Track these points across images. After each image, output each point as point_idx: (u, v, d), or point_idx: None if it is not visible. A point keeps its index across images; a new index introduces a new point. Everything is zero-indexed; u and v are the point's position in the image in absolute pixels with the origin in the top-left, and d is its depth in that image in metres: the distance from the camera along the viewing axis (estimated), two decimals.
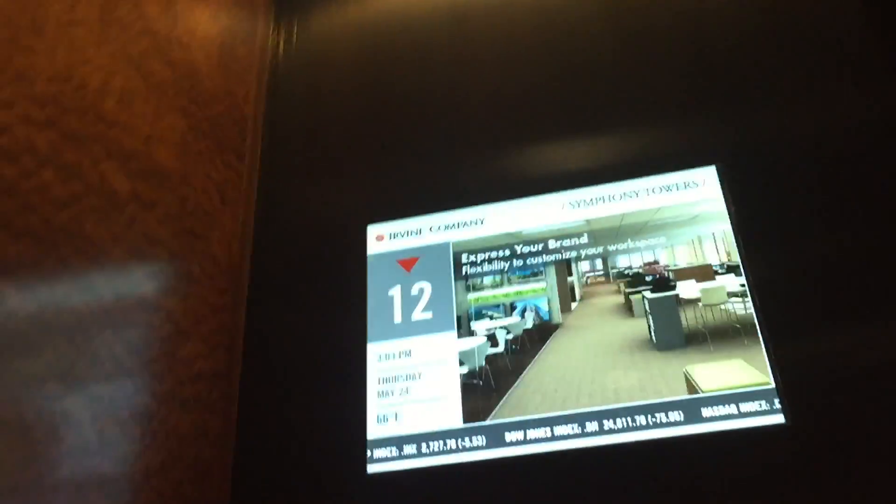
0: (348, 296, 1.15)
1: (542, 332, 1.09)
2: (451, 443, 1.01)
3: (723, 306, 1.03)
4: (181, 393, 0.94)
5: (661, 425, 0.96)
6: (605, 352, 1.04)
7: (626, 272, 1.10)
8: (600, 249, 1.11)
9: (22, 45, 0.73)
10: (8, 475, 0.60)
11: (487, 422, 1.01)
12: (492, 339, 1.10)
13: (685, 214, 1.09)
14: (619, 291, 1.09)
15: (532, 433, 0.99)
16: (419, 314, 1.12)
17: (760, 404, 0.95)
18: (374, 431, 1.04)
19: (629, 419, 0.97)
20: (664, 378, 0.99)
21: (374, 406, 1.06)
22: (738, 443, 0.93)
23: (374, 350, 1.10)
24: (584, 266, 1.11)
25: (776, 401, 0.94)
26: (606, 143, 1.18)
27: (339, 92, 1.36)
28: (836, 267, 1.01)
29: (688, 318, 1.03)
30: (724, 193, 1.08)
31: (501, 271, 1.13)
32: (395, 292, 1.14)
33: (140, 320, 0.88)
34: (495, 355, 1.08)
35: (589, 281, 1.11)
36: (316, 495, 1.02)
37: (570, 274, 1.11)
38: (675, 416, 0.96)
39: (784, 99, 1.14)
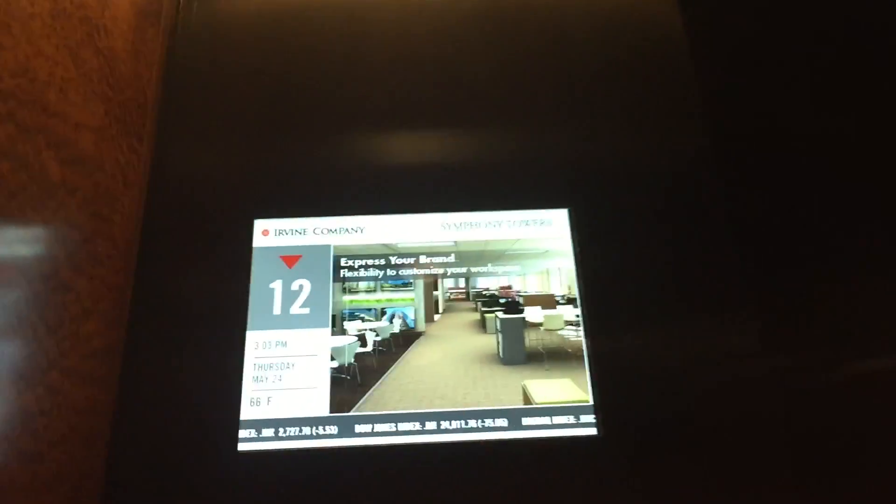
0: (232, 284, 1.21)
1: (407, 337, 1.23)
2: (307, 430, 1.13)
3: (560, 332, 1.20)
4: (81, 368, 1.00)
5: (489, 429, 1.13)
6: (460, 361, 1.19)
7: (483, 293, 1.25)
8: (464, 269, 1.25)
9: None
10: None
11: (343, 413, 1.14)
12: (361, 339, 1.21)
13: (538, 248, 1.25)
14: (476, 309, 1.24)
15: (379, 427, 1.13)
16: (297, 308, 1.21)
17: (580, 418, 1.14)
18: (246, 413, 1.14)
19: (463, 421, 1.13)
20: (506, 388, 1.16)
21: (249, 390, 1.16)
22: (558, 449, 1.12)
23: (252, 338, 1.18)
24: (449, 283, 1.25)
25: (592, 417, 1.13)
26: (480, 176, 1.31)
27: (234, 82, 1.39)
28: (651, 302, 1.21)
29: (530, 338, 1.20)
30: (571, 234, 1.25)
31: (376, 278, 1.25)
32: (277, 286, 1.22)
33: (56, 300, 0.94)
34: (363, 354, 1.20)
35: (451, 296, 1.25)
36: (190, 470, 1.10)
37: (436, 288, 1.25)
38: (501, 422, 1.13)
39: (626, 151, 1.33)
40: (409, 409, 1.14)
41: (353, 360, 1.20)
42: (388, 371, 1.19)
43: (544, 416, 1.14)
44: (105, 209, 1.10)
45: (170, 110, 1.36)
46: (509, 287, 1.25)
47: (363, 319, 1.23)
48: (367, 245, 1.26)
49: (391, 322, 1.24)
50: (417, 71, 1.41)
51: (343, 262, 1.25)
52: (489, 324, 1.23)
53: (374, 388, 1.17)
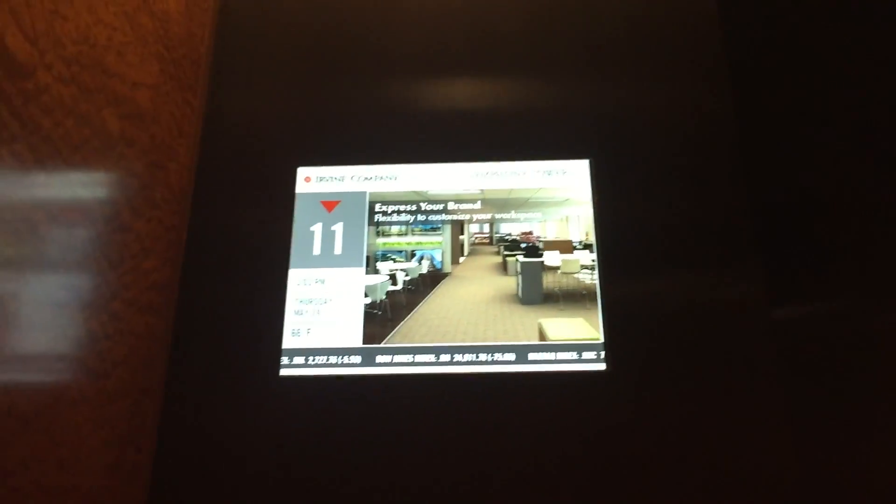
0: (276, 226, 1.32)
1: (434, 277, 1.32)
2: (333, 359, 1.24)
3: (576, 275, 1.28)
4: (140, 299, 1.13)
5: (498, 363, 1.23)
6: (481, 300, 1.29)
7: (506, 237, 1.33)
8: (489, 216, 1.34)
9: (60, 14, 0.89)
10: None
11: (374, 345, 1.25)
12: (392, 279, 1.31)
13: (559, 197, 1.32)
14: (498, 253, 1.32)
15: (398, 358, 1.24)
16: (335, 250, 1.31)
17: (591, 354, 1.22)
18: (288, 342, 1.26)
19: (474, 355, 1.23)
20: (523, 326, 1.25)
21: (291, 322, 1.28)
22: (570, 381, 1.21)
23: (294, 275, 1.29)
24: (474, 228, 1.33)
25: (602, 353, 1.22)
26: (506, 127, 1.38)
27: (280, 37, 1.48)
28: (662, 250, 1.28)
29: (548, 281, 1.28)
30: (591, 184, 1.31)
31: (407, 223, 1.34)
32: (317, 228, 1.32)
33: (118, 239, 1.06)
34: (394, 292, 1.31)
35: (476, 241, 1.33)
36: (237, 391, 1.23)
37: (463, 233, 1.33)
38: (510, 356, 1.23)
39: (647, 106, 1.39)
40: (435, 342, 1.24)
41: (384, 297, 1.30)
42: (417, 307, 1.28)
43: (550, 351, 1.23)
44: (162, 158, 1.22)
45: (221, 66, 1.46)
46: (530, 233, 1.32)
47: (394, 260, 1.32)
48: (399, 192, 1.35)
49: (420, 263, 1.33)
50: (450, 24, 1.48)
51: (377, 207, 1.34)
52: (510, 266, 1.31)
53: (402, 322, 1.27)
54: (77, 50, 0.93)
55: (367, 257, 1.31)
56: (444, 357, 1.23)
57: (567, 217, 1.32)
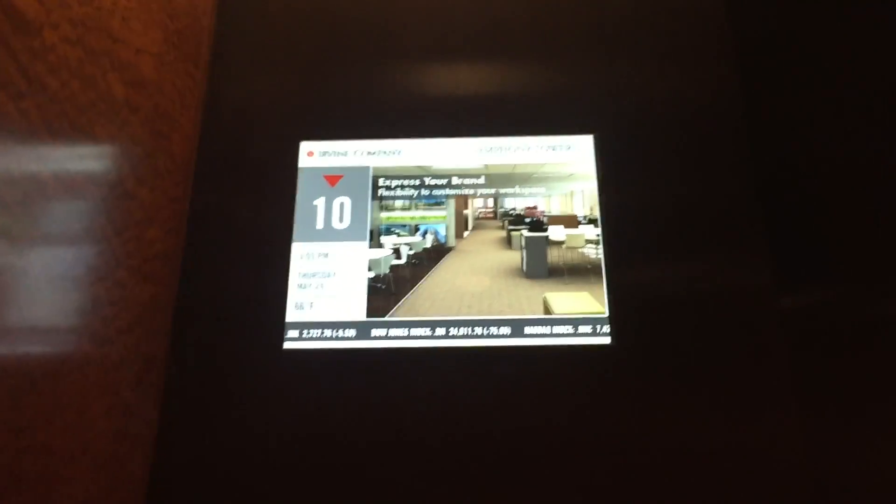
0: (279, 200, 1.32)
1: (438, 252, 1.32)
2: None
3: (581, 249, 1.28)
4: (144, 268, 1.13)
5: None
6: (486, 273, 1.29)
7: (510, 212, 1.33)
8: (493, 191, 1.33)
9: None
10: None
11: (366, 319, 1.25)
12: (397, 253, 1.31)
13: (563, 172, 1.32)
14: (502, 227, 1.32)
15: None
16: (338, 224, 1.31)
17: (596, 328, 1.22)
18: (291, 316, 1.26)
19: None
20: (528, 300, 1.25)
21: (294, 295, 1.27)
22: (575, 356, 1.21)
23: (297, 249, 1.29)
24: (479, 203, 1.33)
25: (607, 327, 1.22)
26: (511, 102, 1.38)
27: (282, 10, 1.48)
28: (668, 226, 1.28)
29: (552, 255, 1.28)
30: (595, 159, 1.31)
31: (411, 197, 1.34)
32: (320, 203, 1.32)
33: (122, 206, 1.06)
34: (398, 266, 1.30)
35: (480, 215, 1.33)
36: (242, 363, 1.23)
37: (466, 207, 1.33)
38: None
39: (652, 83, 1.39)
40: (440, 315, 1.24)
41: (388, 271, 1.30)
42: (421, 281, 1.28)
43: (545, 325, 1.23)
44: (165, 128, 1.21)
45: (224, 38, 1.46)
46: (535, 207, 1.32)
47: (398, 234, 1.32)
48: (403, 166, 1.35)
49: (424, 237, 1.33)
50: (454, 2, 1.47)
51: (381, 181, 1.34)
52: (514, 241, 1.31)
53: (406, 296, 1.27)
54: (83, 11, 0.92)
55: (371, 231, 1.31)
56: (440, 331, 1.23)
57: (571, 192, 1.32)
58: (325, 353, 1.23)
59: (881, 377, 1.00)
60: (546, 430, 1.18)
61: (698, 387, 1.19)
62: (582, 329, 1.22)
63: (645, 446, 1.17)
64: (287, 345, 1.24)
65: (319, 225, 1.31)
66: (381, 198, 1.33)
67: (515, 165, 1.33)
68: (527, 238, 1.30)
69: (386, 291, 1.27)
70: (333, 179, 1.33)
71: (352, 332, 1.24)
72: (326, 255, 1.29)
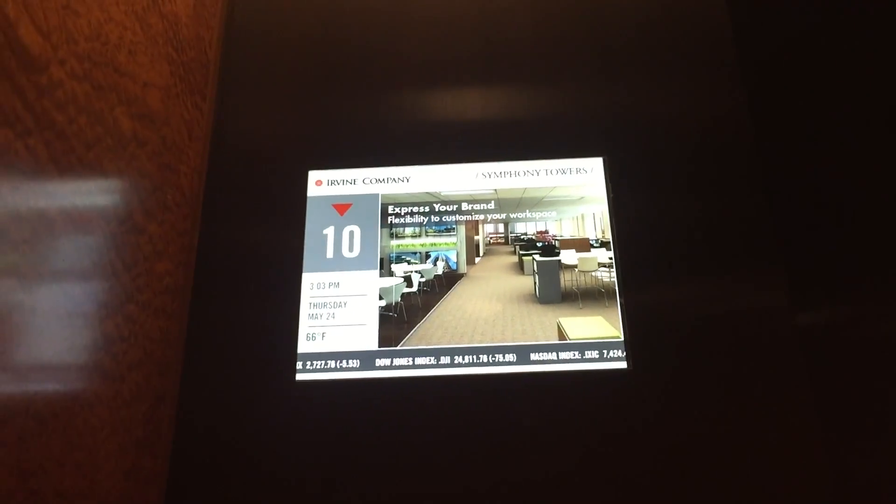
0: (288, 230, 1.31)
1: (450, 278, 1.31)
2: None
3: (594, 273, 1.27)
4: (154, 303, 1.12)
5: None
6: (498, 300, 1.27)
7: (521, 237, 1.32)
8: (504, 215, 1.32)
9: (72, 9, 0.88)
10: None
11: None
12: (408, 281, 1.30)
13: (573, 195, 1.31)
14: (514, 252, 1.31)
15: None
16: (348, 252, 1.30)
17: (613, 352, 1.21)
18: (303, 347, 1.25)
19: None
20: (542, 325, 1.24)
21: (305, 326, 1.26)
22: (591, 381, 1.19)
23: (307, 279, 1.28)
24: (489, 228, 1.32)
25: (622, 351, 1.20)
26: (519, 127, 1.38)
27: (288, 41, 1.49)
28: (681, 247, 1.27)
29: (565, 279, 1.27)
30: (606, 181, 1.30)
31: (421, 224, 1.33)
32: (329, 232, 1.31)
33: (131, 241, 1.05)
34: (409, 294, 1.29)
35: (492, 241, 1.32)
36: (253, 396, 1.21)
37: (477, 233, 1.32)
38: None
39: (660, 104, 1.38)
40: (452, 343, 1.22)
41: (399, 300, 1.28)
42: (432, 309, 1.27)
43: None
44: (173, 161, 1.21)
45: (230, 70, 1.46)
46: (546, 231, 1.31)
47: (409, 262, 1.31)
48: (412, 193, 1.34)
49: (435, 264, 1.31)
50: (462, 25, 1.48)
51: (390, 209, 1.33)
52: (526, 266, 1.30)
53: (419, 324, 1.25)
54: (89, 47, 0.92)
55: (381, 259, 1.30)
56: (445, 359, 1.22)
57: (583, 215, 1.30)
58: (340, 383, 1.21)
59: None
60: (562, 457, 1.16)
61: (719, 408, 1.17)
62: (589, 354, 1.20)
63: (663, 477, 1.14)
64: (300, 376, 1.22)
65: (329, 254, 1.30)
66: (391, 225, 1.32)
67: (525, 189, 1.32)
68: (538, 262, 1.29)
69: (398, 320, 1.26)
70: (342, 208, 1.32)
71: (356, 363, 1.22)
72: (337, 285, 1.28)
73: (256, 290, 1.29)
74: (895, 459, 1.01)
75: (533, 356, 1.21)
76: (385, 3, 1.50)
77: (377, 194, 1.34)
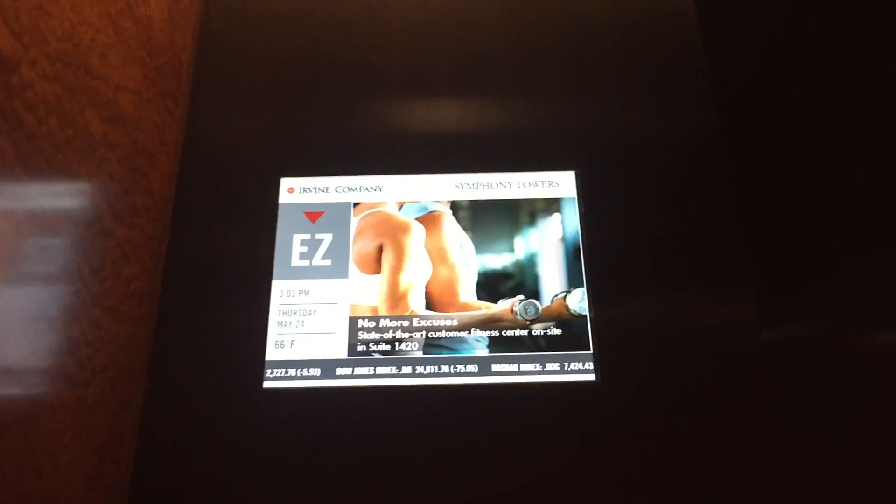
0: (259, 237, 1.31)
1: None
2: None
3: None
4: (121, 308, 1.11)
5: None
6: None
7: None
8: None
9: (45, 10, 0.87)
10: None
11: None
12: None
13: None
14: None
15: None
16: (319, 261, 1.29)
17: (563, 365, 1.22)
18: (271, 354, 1.24)
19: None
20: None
21: (274, 334, 1.25)
22: (557, 392, 1.20)
23: (277, 286, 1.27)
24: None
25: (591, 363, 1.21)
26: (492, 139, 1.40)
27: (262, 47, 1.48)
28: (651, 262, 1.29)
29: None
30: (577, 194, 1.32)
31: None
32: (300, 239, 1.31)
33: (99, 245, 1.04)
34: None
35: None
36: (220, 404, 1.21)
37: None
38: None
39: (631, 118, 1.41)
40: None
41: None
42: None
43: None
44: (143, 165, 1.20)
45: (204, 75, 1.45)
46: None
47: None
48: (384, 203, 1.34)
49: None
50: (435, 35, 1.49)
51: None
52: None
53: None
54: (61, 48, 0.92)
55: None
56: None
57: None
58: (303, 392, 1.21)
59: (866, 409, 1.00)
60: (527, 469, 1.17)
61: (686, 422, 1.19)
62: (550, 366, 1.21)
63: (631, 483, 1.15)
64: (267, 384, 1.21)
65: (300, 262, 1.30)
66: None
67: (497, 201, 1.33)
68: None
69: None
70: (314, 216, 1.32)
71: (317, 371, 1.22)
72: (307, 293, 1.27)
73: (226, 297, 1.27)
74: (858, 474, 1.03)
75: (494, 367, 1.22)
76: (360, 13, 1.50)
77: (349, 202, 1.33)
